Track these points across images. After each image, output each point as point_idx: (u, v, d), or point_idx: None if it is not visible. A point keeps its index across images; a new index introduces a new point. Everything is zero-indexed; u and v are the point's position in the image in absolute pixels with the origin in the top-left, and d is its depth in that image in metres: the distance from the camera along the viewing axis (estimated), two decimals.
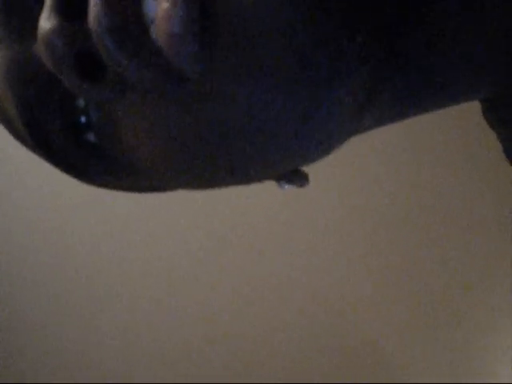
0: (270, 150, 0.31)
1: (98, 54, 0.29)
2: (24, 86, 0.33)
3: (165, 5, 0.26)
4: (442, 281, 1.32)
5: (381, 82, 0.32)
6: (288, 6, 0.27)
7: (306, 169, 0.41)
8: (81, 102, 0.32)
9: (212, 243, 1.45)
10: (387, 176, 1.32)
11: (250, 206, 1.40)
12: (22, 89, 0.33)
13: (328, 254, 1.38)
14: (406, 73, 0.33)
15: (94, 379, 1.55)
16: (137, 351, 1.53)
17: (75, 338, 1.55)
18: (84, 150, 0.34)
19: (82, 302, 1.54)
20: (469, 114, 1.18)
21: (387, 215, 1.33)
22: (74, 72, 0.29)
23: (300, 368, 1.42)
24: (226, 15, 0.27)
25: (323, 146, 0.33)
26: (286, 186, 0.40)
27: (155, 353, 1.53)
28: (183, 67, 0.28)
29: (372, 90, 0.32)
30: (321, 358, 1.41)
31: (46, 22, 0.28)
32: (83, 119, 0.33)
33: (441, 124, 1.25)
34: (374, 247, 1.35)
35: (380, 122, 0.37)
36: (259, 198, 1.37)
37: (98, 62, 0.29)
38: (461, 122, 1.21)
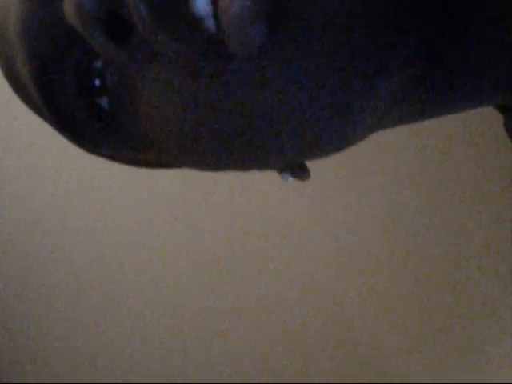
0: (300, 138, 0.31)
1: (127, 15, 0.27)
2: (40, 42, 0.31)
3: None
4: (446, 283, 1.32)
5: (417, 84, 0.32)
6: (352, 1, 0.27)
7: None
8: (98, 65, 0.31)
9: (212, 244, 1.44)
10: (397, 181, 1.32)
11: (253, 210, 1.40)
12: (37, 44, 0.31)
13: (327, 251, 1.37)
14: (439, 76, 0.33)
15: (94, 379, 1.55)
16: (137, 351, 1.53)
17: (75, 336, 1.56)
18: (95, 114, 0.33)
19: (81, 302, 1.54)
20: (486, 124, 1.18)
21: (387, 215, 1.33)
22: (102, 33, 0.27)
23: (300, 369, 1.42)
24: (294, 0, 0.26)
25: (346, 140, 0.33)
26: (289, 179, 0.40)
27: (156, 352, 1.53)
28: (239, 49, 0.26)
29: (408, 91, 0.32)
30: (322, 358, 1.41)
31: None
32: (97, 82, 0.31)
33: (458, 129, 1.25)
34: (377, 252, 1.35)
35: (401, 121, 0.36)
36: (268, 197, 1.37)
37: (126, 23, 0.28)
38: (481, 128, 1.21)
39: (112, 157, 0.38)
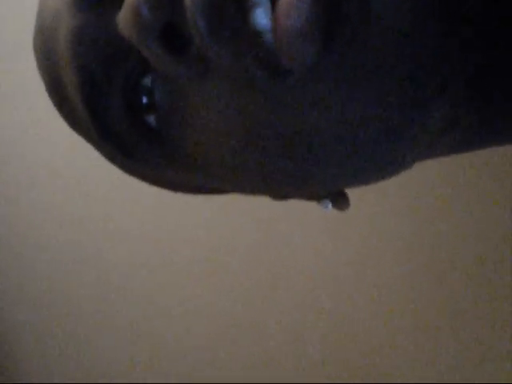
0: (348, 161, 0.30)
1: (184, 27, 0.27)
2: (90, 55, 0.31)
3: None
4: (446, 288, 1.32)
5: (469, 114, 0.32)
6: (420, 23, 0.26)
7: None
8: (146, 82, 0.31)
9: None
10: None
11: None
12: (87, 57, 0.31)
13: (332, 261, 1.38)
14: (493, 104, 0.32)
15: (94, 379, 1.55)
16: (138, 351, 1.53)
17: (75, 336, 1.55)
18: (141, 130, 0.32)
19: (81, 301, 1.54)
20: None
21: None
22: (159, 44, 0.27)
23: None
24: (351, 14, 0.25)
25: (394, 166, 0.32)
26: (330, 206, 0.38)
27: (156, 353, 1.52)
28: (291, 63, 0.26)
29: (460, 117, 0.31)
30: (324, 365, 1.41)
31: None
32: (145, 99, 0.31)
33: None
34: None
35: (449, 150, 0.35)
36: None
37: (182, 36, 0.28)
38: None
39: (150, 179, 0.37)
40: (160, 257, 1.48)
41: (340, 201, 0.38)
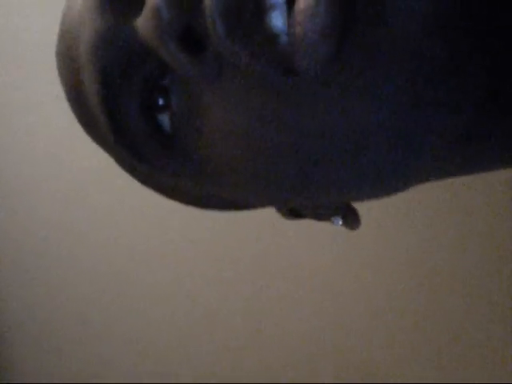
0: (357, 168, 0.30)
1: (201, 30, 0.28)
2: (111, 59, 0.31)
3: (306, 1, 0.25)
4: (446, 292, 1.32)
5: (482, 126, 0.31)
6: (431, 25, 0.26)
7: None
8: (163, 84, 0.31)
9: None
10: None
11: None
12: (108, 61, 0.31)
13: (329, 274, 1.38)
14: (500, 123, 0.32)
15: (94, 379, 1.54)
16: (139, 351, 1.53)
17: (76, 336, 1.55)
18: (157, 136, 0.32)
19: (82, 300, 1.54)
20: None
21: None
22: (178, 47, 0.28)
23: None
24: (365, 18, 0.26)
25: (404, 178, 0.31)
26: (340, 223, 0.38)
27: (158, 353, 1.52)
28: (304, 64, 0.26)
29: (470, 132, 0.31)
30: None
31: None
32: (161, 101, 0.31)
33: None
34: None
35: (450, 172, 0.35)
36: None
37: (199, 38, 0.28)
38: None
39: (162, 189, 0.37)
40: (162, 256, 1.48)
41: (350, 219, 0.38)
